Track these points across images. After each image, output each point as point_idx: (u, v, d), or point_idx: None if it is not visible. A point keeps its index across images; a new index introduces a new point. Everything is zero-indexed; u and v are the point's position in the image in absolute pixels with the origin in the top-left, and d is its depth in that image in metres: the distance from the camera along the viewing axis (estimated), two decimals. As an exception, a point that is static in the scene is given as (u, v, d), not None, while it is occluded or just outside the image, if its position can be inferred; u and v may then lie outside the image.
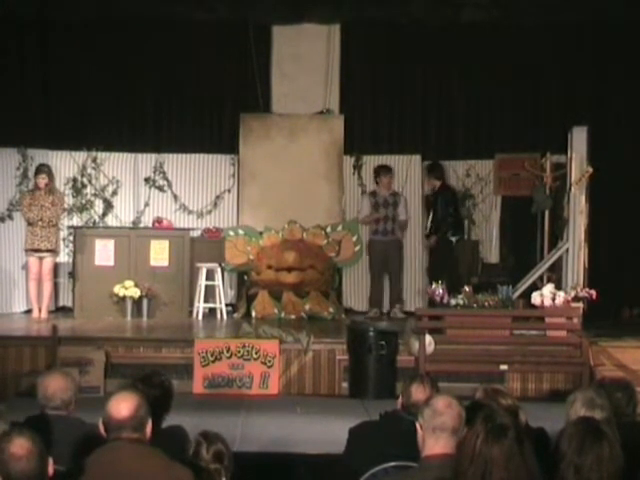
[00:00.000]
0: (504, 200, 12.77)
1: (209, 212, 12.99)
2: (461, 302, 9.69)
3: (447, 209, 12.33)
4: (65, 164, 12.64)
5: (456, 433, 3.67)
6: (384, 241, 12.31)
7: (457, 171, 12.94)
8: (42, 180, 11.17)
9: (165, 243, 11.75)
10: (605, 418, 4.04)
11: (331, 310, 11.92)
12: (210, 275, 11.74)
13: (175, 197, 12.94)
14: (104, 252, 11.59)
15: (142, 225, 12.66)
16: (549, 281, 10.80)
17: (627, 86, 12.32)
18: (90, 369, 8.82)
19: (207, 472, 3.91)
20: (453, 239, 12.35)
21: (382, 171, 12.49)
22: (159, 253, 11.69)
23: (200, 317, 11.62)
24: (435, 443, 3.67)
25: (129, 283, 11.35)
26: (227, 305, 11.96)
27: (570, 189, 11.11)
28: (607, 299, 10.58)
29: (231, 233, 12.27)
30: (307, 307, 11.88)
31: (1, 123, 12.29)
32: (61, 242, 11.73)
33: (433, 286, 9.85)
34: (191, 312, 11.74)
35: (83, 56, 12.75)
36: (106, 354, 9.03)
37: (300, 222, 12.19)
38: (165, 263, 11.69)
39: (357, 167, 13.05)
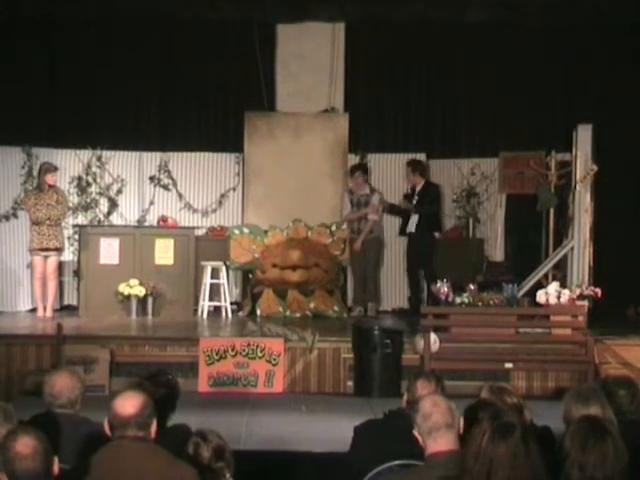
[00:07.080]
0: (509, 198, 12.75)
1: (214, 210, 13.00)
2: (466, 300, 9.69)
3: (438, 207, 12.33)
4: (70, 163, 12.64)
5: (452, 427, 3.69)
6: (362, 240, 12.19)
7: (462, 169, 12.92)
8: (53, 178, 11.17)
9: (170, 242, 11.75)
10: (602, 415, 4.03)
11: (336, 308, 11.92)
12: (215, 273, 11.74)
13: (180, 196, 12.95)
14: (109, 251, 11.58)
15: (147, 224, 12.67)
16: (554, 279, 10.80)
17: (632, 84, 12.27)
18: (95, 368, 8.80)
19: (212, 471, 3.91)
20: (437, 234, 12.33)
21: (351, 170, 12.42)
22: (164, 252, 11.69)
23: (205, 315, 11.61)
24: (435, 443, 3.69)
25: (134, 282, 11.35)
26: (232, 303, 11.96)
27: (575, 187, 11.10)
28: (612, 297, 10.57)
29: (236, 231, 12.24)
30: (312, 305, 11.87)
31: (6, 122, 12.32)
32: (66, 241, 11.74)
33: (438, 284, 9.84)
34: (196, 310, 11.73)
35: (88, 55, 12.78)
36: (111, 353, 9.01)
37: (305, 220, 12.16)
38: (170, 262, 11.69)
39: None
